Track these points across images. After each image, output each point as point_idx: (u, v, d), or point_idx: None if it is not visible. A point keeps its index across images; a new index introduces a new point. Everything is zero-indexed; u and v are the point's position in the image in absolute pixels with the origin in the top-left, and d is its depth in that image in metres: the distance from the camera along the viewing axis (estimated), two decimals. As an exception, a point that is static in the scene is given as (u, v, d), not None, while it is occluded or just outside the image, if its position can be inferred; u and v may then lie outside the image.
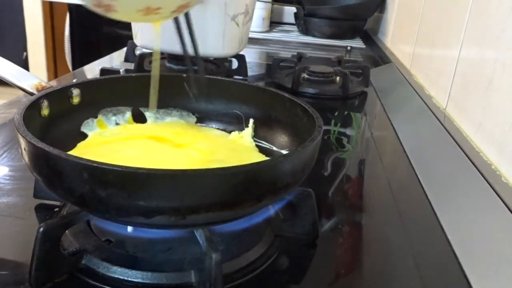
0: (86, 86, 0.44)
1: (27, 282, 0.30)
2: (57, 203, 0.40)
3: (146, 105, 0.48)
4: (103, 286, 0.31)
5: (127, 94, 0.47)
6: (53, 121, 0.40)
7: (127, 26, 0.87)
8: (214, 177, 0.28)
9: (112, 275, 0.31)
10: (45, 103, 0.39)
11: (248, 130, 0.47)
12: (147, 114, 0.48)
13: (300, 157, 0.33)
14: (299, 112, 0.42)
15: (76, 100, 0.43)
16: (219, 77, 0.49)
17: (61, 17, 1.99)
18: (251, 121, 0.47)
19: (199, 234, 0.31)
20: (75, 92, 0.43)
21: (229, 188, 0.29)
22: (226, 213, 0.30)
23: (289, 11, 1.55)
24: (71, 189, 0.29)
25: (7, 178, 0.45)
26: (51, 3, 2.08)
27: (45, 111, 0.39)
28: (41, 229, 0.29)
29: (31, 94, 0.40)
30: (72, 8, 1.83)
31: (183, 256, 0.33)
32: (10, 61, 0.43)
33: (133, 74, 0.51)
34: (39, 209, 0.40)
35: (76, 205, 0.31)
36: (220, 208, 0.29)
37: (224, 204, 0.29)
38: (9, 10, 2.22)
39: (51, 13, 2.18)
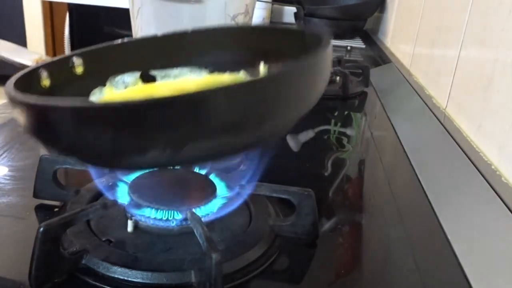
0: (89, 54, 0.42)
1: (27, 282, 0.30)
2: (57, 203, 0.40)
3: (155, 67, 0.45)
4: (103, 286, 0.31)
5: (134, 58, 0.45)
6: (57, 91, 0.38)
7: (127, 26, 0.87)
8: (212, 95, 0.25)
9: (112, 275, 0.31)
10: (44, 74, 0.37)
11: (263, 72, 0.44)
12: (157, 75, 0.46)
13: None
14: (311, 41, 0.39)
15: (79, 70, 0.41)
16: (221, 26, 0.47)
17: (61, 17, 1.99)
18: (262, 63, 0.44)
19: (199, 234, 0.31)
20: (77, 61, 0.41)
21: (230, 106, 0.26)
22: (227, 140, 0.27)
23: (289, 11, 1.55)
24: (58, 139, 0.27)
25: (7, 178, 0.45)
26: (51, 3, 2.09)
27: (45, 82, 0.38)
28: (41, 229, 0.29)
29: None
30: (72, 8, 1.83)
31: (183, 256, 0.33)
32: (5, 43, 0.43)
33: (134, 39, 0.49)
34: (39, 209, 0.40)
35: (68, 155, 0.30)
36: (220, 131, 0.26)
37: (224, 127, 0.26)
38: (9, 10, 2.22)
39: (51, 13, 2.18)
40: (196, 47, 0.46)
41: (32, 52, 0.41)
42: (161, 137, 0.26)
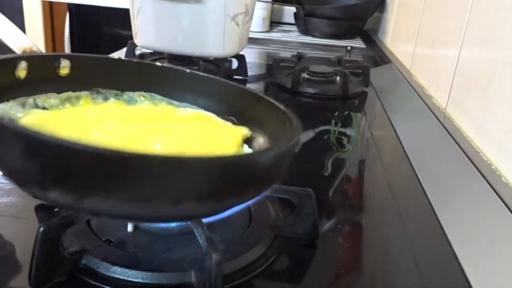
0: (78, 60, 0.42)
1: (27, 282, 0.30)
2: (57, 203, 0.40)
3: (134, 90, 0.45)
4: (103, 286, 0.31)
5: (119, 77, 0.45)
6: (31, 85, 0.38)
7: (127, 26, 0.87)
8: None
9: (112, 275, 0.31)
10: (22, 65, 0.37)
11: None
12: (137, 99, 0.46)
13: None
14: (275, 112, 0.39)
15: (64, 71, 0.41)
16: (221, 80, 0.47)
17: (61, 17, 1.99)
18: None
19: (199, 234, 0.31)
20: (65, 63, 0.41)
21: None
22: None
23: (289, 11, 1.55)
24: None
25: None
26: (51, 3, 2.08)
27: (20, 73, 0.37)
28: (41, 229, 0.29)
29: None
30: (72, 8, 1.83)
31: (183, 256, 0.33)
32: (8, 24, 0.43)
33: (134, 60, 0.49)
34: (39, 209, 0.40)
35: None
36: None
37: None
38: (9, 10, 2.22)
39: (51, 13, 2.18)
40: (187, 86, 0.46)
41: (26, 40, 0.41)
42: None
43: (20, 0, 2.15)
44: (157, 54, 0.88)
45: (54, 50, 2.25)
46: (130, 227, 0.36)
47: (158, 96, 0.46)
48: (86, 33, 1.87)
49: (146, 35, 0.81)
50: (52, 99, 0.40)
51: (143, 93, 0.46)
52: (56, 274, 0.31)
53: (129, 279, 0.31)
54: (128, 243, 0.35)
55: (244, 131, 0.42)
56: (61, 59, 0.41)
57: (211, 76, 0.47)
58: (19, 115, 0.36)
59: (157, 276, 0.31)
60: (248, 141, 0.42)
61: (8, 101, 0.36)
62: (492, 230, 0.38)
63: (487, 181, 0.42)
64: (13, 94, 0.36)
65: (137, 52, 0.89)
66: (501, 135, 0.46)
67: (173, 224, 0.35)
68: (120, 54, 1.00)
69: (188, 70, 0.46)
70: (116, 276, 0.31)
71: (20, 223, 0.38)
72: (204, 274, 0.30)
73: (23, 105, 0.38)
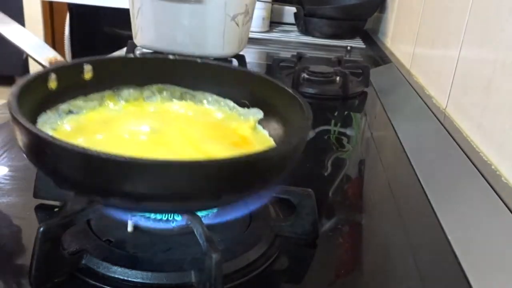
0: (99, 63, 0.44)
1: (27, 282, 0.30)
2: (57, 203, 0.40)
3: (155, 83, 0.48)
4: (103, 286, 0.31)
5: (139, 73, 0.47)
6: (61, 93, 0.41)
7: (127, 26, 0.87)
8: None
9: (112, 275, 0.31)
10: (53, 77, 0.40)
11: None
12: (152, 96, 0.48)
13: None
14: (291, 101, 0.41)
15: (88, 75, 0.44)
16: (232, 67, 0.49)
17: (61, 17, 1.99)
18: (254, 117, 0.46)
19: (199, 234, 0.31)
20: (87, 68, 0.43)
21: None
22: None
23: (289, 11, 1.55)
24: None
25: (7, 178, 0.45)
26: (51, 3, 2.08)
27: (52, 84, 0.40)
28: (41, 229, 0.29)
29: (43, 66, 0.42)
30: (72, 8, 1.83)
31: (183, 256, 0.33)
32: (28, 35, 0.46)
33: (148, 56, 0.51)
34: (39, 209, 0.40)
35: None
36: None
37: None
38: (9, 10, 2.22)
39: (51, 13, 2.18)
40: (201, 75, 0.49)
41: (49, 49, 0.44)
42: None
43: (20, 0, 2.15)
44: (157, 54, 0.87)
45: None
46: (130, 227, 0.36)
47: (175, 87, 0.48)
48: (86, 33, 1.87)
49: (146, 35, 0.81)
50: (81, 102, 0.43)
51: (160, 85, 0.48)
52: (56, 274, 0.31)
53: (129, 279, 0.31)
54: (128, 243, 0.35)
55: (256, 114, 0.45)
56: (84, 64, 0.43)
57: (221, 63, 0.49)
58: (58, 123, 0.40)
59: (157, 276, 0.31)
60: (261, 121, 0.45)
61: (45, 111, 0.39)
62: (492, 230, 0.38)
63: (487, 181, 0.42)
64: (49, 104, 0.40)
65: (137, 52, 0.89)
66: (501, 135, 0.46)
67: (173, 224, 0.35)
68: (120, 54, 1.00)
69: (199, 60, 0.49)
70: (116, 276, 0.31)
71: (20, 223, 0.38)
72: (204, 274, 0.30)
73: (58, 113, 0.41)
